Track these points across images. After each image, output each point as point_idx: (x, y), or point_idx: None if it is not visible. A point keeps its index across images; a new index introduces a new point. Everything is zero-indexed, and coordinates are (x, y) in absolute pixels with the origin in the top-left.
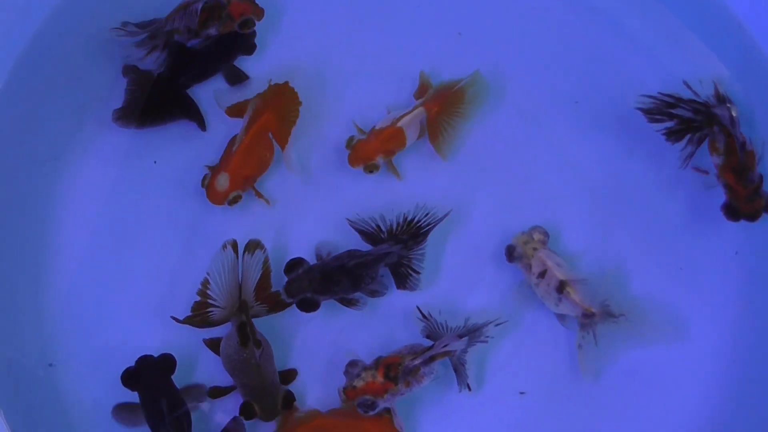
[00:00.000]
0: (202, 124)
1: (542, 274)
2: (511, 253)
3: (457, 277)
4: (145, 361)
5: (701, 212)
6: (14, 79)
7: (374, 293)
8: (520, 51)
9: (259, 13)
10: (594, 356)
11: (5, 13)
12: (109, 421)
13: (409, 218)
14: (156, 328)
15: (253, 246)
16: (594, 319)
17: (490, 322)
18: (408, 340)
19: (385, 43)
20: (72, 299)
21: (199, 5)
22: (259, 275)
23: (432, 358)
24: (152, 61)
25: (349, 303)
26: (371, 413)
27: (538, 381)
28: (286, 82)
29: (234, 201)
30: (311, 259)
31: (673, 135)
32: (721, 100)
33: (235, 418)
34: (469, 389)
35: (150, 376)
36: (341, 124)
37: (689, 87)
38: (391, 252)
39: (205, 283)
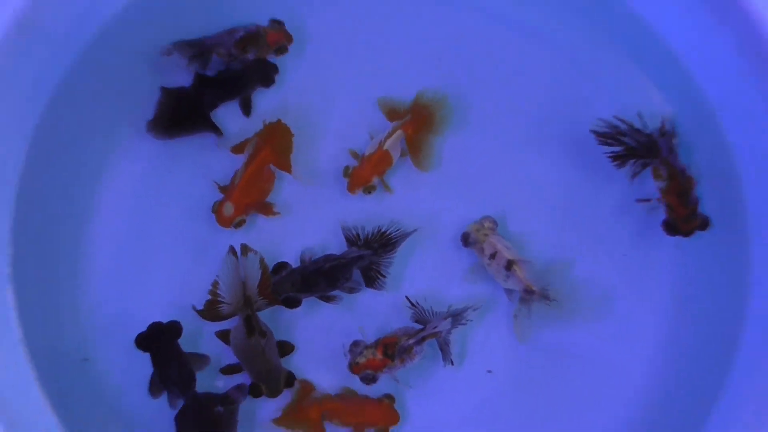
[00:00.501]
0: (219, 134)
1: (493, 256)
2: (466, 240)
3: (437, 273)
4: (155, 326)
5: (647, 219)
6: (60, 96)
7: (351, 290)
8: (491, 78)
9: (290, 39)
10: (526, 326)
11: (58, 25)
12: (140, 400)
13: (382, 230)
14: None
15: (245, 249)
16: (533, 296)
17: (469, 308)
18: (399, 324)
19: (373, 71)
20: (105, 295)
21: (240, 33)
22: (259, 274)
23: (423, 339)
24: (193, 68)
25: (327, 299)
26: (372, 385)
27: (504, 362)
28: (279, 120)
29: (239, 224)
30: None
31: (617, 159)
32: (663, 134)
33: (238, 386)
34: (452, 363)
35: (160, 340)
36: (333, 147)
37: (641, 119)
38: (362, 256)
39: (215, 284)
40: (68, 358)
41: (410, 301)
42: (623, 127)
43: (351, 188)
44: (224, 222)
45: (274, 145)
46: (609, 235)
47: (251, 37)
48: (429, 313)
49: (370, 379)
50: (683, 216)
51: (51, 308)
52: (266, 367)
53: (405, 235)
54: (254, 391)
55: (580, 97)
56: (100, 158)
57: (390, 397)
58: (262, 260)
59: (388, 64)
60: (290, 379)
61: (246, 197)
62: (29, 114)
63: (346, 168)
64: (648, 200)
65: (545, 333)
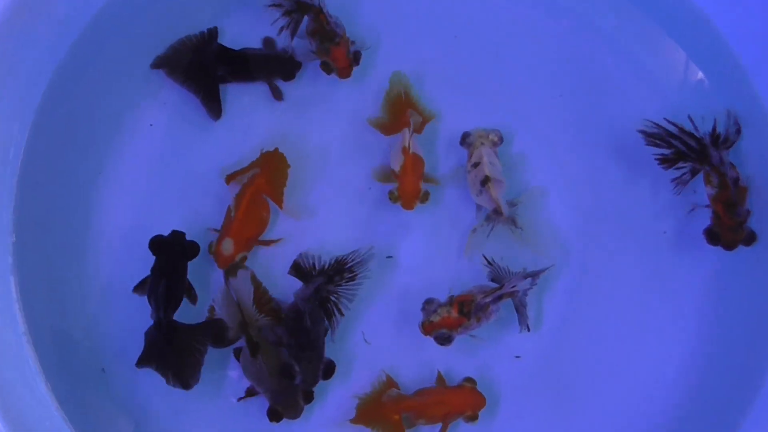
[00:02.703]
0: (216, 113)
1: (476, 165)
2: (464, 139)
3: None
4: (177, 235)
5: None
6: (57, 82)
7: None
8: (514, 53)
9: (345, 75)
10: (479, 244)
11: (48, 20)
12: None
13: (339, 259)
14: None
15: (234, 268)
16: (499, 218)
17: (546, 269)
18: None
19: (390, 44)
20: (111, 289)
21: (325, 18)
22: (251, 291)
23: (501, 297)
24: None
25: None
26: (447, 346)
27: (531, 347)
28: (276, 149)
29: (241, 262)
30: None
31: (666, 162)
32: (716, 139)
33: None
34: (529, 329)
35: (173, 251)
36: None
37: (692, 122)
38: (317, 288)
39: (211, 309)
40: (73, 350)
41: (486, 259)
42: (673, 129)
43: (407, 206)
44: (224, 261)
45: (270, 174)
46: (646, 232)
47: (329, 32)
48: (506, 272)
49: (444, 339)
50: (728, 226)
51: (55, 299)
52: (279, 387)
53: (362, 262)
54: (272, 415)
55: (617, 84)
56: (104, 143)
57: (471, 380)
58: (253, 276)
59: (402, 42)
60: (309, 397)
61: (245, 230)
62: (30, 97)
63: (391, 193)
64: (695, 207)
65: (574, 322)
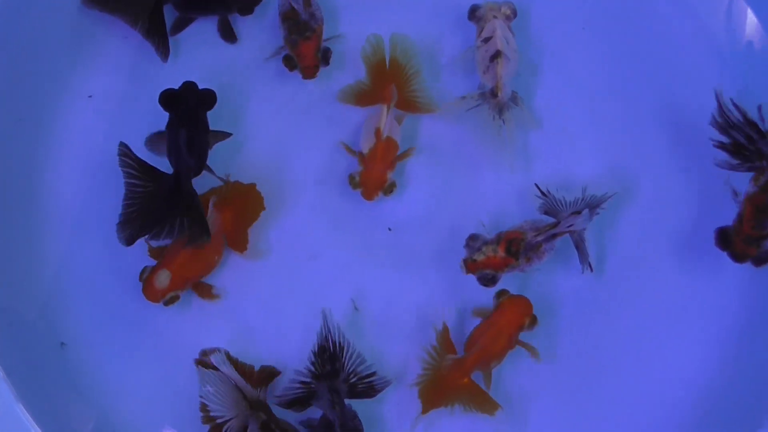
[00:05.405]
0: (164, 53)
1: (487, 40)
2: (473, 12)
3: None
4: (186, 86)
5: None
6: None
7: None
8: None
9: (309, 75)
10: (458, 108)
11: None
12: (110, 375)
13: (317, 350)
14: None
15: (205, 355)
16: (493, 100)
17: (609, 196)
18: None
19: None
20: (67, 251)
21: (300, 7)
22: (234, 372)
23: (555, 236)
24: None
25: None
26: (492, 287)
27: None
28: (253, 185)
29: (171, 301)
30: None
31: (723, 148)
32: None
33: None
34: (591, 269)
35: (186, 101)
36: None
37: (760, 112)
38: (335, 391)
39: (203, 407)
40: (28, 325)
41: (540, 189)
42: (737, 116)
43: (368, 195)
44: (154, 295)
45: (238, 212)
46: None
47: (301, 24)
48: (562, 204)
49: (488, 280)
50: (745, 234)
51: (3, 272)
52: None
53: (340, 338)
54: None
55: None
56: (51, 98)
57: (503, 292)
58: (227, 355)
59: None
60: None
61: (189, 269)
62: None
63: (351, 176)
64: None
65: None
